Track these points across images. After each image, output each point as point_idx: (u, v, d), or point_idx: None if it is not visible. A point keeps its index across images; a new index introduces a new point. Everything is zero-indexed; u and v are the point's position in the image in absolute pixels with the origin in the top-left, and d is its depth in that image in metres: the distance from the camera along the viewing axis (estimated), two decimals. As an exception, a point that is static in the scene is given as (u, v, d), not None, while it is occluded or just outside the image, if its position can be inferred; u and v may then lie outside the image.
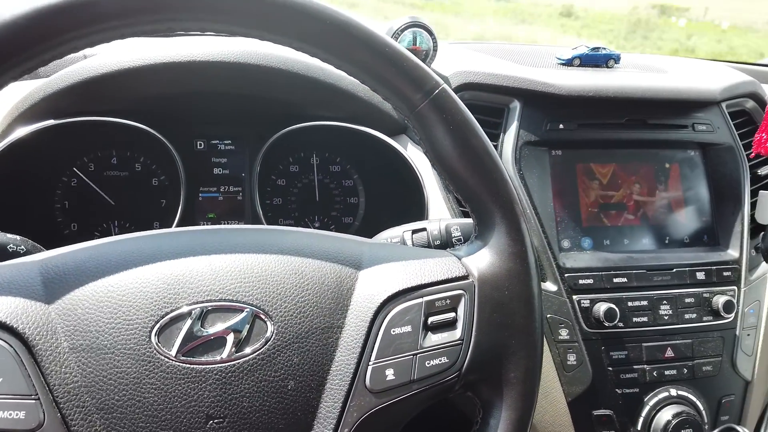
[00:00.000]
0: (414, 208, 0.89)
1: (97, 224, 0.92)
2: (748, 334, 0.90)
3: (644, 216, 0.92)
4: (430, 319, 0.51)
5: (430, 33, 0.90)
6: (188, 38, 0.95)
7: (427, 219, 0.86)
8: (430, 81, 0.50)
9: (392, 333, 0.50)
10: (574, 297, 0.83)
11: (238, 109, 0.93)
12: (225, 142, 0.96)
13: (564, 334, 0.82)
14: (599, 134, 0.91)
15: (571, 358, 0.82)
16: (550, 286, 0.83)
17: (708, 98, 0.95)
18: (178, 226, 0.89)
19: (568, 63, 0.99)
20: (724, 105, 0.97)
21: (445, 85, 0.51)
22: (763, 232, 0.85)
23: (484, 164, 0.52)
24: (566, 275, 0.84)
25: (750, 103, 1.01)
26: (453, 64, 0.92)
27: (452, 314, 0.52)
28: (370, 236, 0.66)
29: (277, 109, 0.91)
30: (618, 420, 0.84)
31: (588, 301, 0.83)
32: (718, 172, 0.95)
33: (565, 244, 0.87)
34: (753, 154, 0.86)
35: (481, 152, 0.52)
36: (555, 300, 0.83)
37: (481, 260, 0.53)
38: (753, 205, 0.92)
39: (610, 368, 0.83)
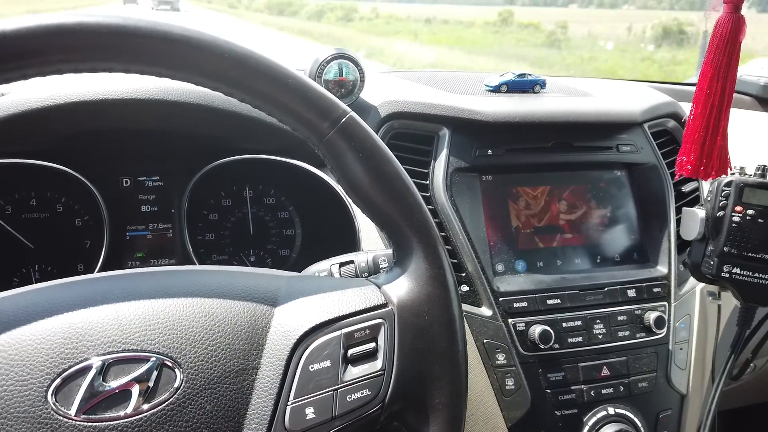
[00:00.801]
0: (349, 238, 0.88)
1: (16, 269, 0.87)
2: (681, 348, 0.92)
3: (576, 237, 0.94)
4: (350, 352, 0.50)
5: (356, 64, 0.90)
6: (103, 75, 0.93)
7: (360, 249, 0.86)
8: (336, 109, 0.50)
9: (311, 369, 0.48)
10: (510, 321, 0.83)
11: (164, 144, 0.90)
12: (153, 178, 0.94)
13: (501, 358, 0.82)
14: (527, 158, 0.92)
15: (510, 383, 0.82)
16: (485, 310, 0.83)
17: (630, 120, 0.98)
18: (102, 267, 0.86)
19: (496, 90, 1.01)
20: (646, 126, 1.00)
21: (352, 113, 0.50)
22: (689, 248, 0.87)
23: (397, 190, 0.52)
24: (501, 299, 0.84)
25: (671, 123, 1.05)
26: (382, 94, 0.93)
27: (373, 344, 0.51)
28: None
29: (204, 143, 0.89)
30: (559, 442, 0.84)
31: (523, 324, 0.84)
32: (644, 191, 0.98)
33: (499, 267, 0.88)
34: (677, 176, 0.89)
35: (394, 178, 0.52)
36: (490, 325, 0.83)
37: (400, 287, 0.53)
38: (679, 222, 0.94)
39: (549, 390, 0.83)
